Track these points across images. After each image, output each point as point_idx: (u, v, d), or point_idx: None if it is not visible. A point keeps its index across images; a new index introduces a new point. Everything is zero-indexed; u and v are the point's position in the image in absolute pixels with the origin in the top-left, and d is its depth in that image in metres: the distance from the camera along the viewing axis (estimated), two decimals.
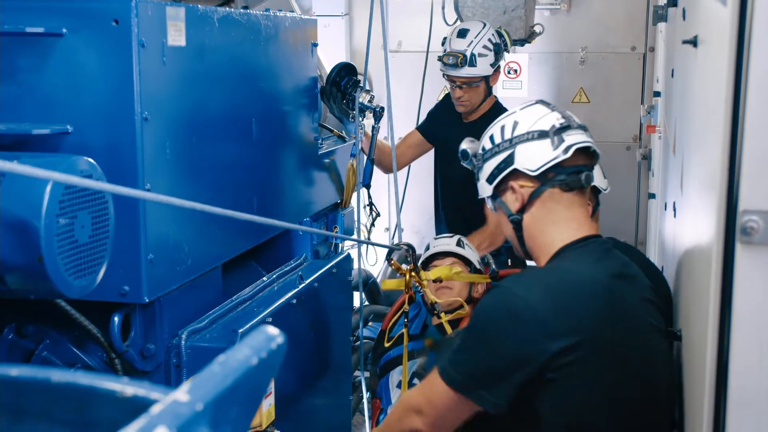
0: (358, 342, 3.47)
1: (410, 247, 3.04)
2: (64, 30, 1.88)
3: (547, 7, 5.36)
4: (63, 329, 2.05)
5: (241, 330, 2.16)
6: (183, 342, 2.09)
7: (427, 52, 5.00)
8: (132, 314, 2.03)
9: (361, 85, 3.28)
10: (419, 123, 4.36)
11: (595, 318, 1.80)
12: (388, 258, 3.11)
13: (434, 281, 3.25)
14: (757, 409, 1.31)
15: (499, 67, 3.96)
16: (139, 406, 0.77)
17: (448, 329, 3.11)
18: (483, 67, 3.87)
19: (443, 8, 4.96)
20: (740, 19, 1.24)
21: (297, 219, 2.89)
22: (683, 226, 2.00)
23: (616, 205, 5.47)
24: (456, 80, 3.91)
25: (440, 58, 3.92)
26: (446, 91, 4.46)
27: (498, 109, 4.00)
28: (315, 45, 2.94)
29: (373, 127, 3.42)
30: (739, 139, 1.25)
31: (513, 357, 1.77)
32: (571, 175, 1.94)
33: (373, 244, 3.55)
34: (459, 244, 3.51)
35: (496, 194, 2.03)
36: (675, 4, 2.69)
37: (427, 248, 3.58)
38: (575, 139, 1.95)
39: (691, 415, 1.64)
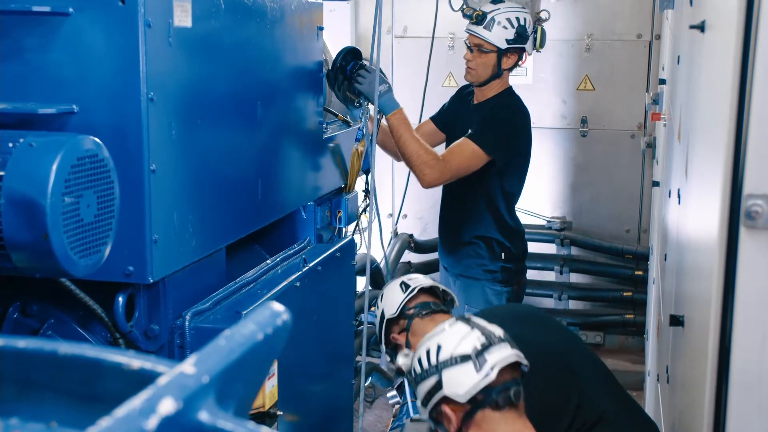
0: (361, 327, 3.47)
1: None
2: (71, 9, 1.87)
3: None
4: (67, 309, 2.06)
5: (244, 312, 2.16)
6: (187, 323, 2.09)
7: (433, 37, 4.98)
8: (136, 294, 2.04)
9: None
10: (434, 113, 4.26)
11: None
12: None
13: None
14: (759, 393, 1.31)
15: (516, 52, 3.69)
16: (146, 378, 0.77)
17: None
18: (497, 37, 3.63)
19: None
20: (748, 4, 1.24)
21: (301, 203, 2.90)
22: (687, 212, 2.00)
23: (620, 193, 5.49)
24: (468, 40, 3.73)
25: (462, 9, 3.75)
26: (452, 78, 4.42)
27: (506, 96, 3.78)
28: (321, 28, 2.93)
29: (377, 112, 3.40)
30: (745, 123, 1.25)
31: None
32: (499, 394, 1.93)
33: None
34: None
35: (432, 416, 2.02)
36: None
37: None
38: (498, 356, 1.94)
39: (692, 399, 1.65)
